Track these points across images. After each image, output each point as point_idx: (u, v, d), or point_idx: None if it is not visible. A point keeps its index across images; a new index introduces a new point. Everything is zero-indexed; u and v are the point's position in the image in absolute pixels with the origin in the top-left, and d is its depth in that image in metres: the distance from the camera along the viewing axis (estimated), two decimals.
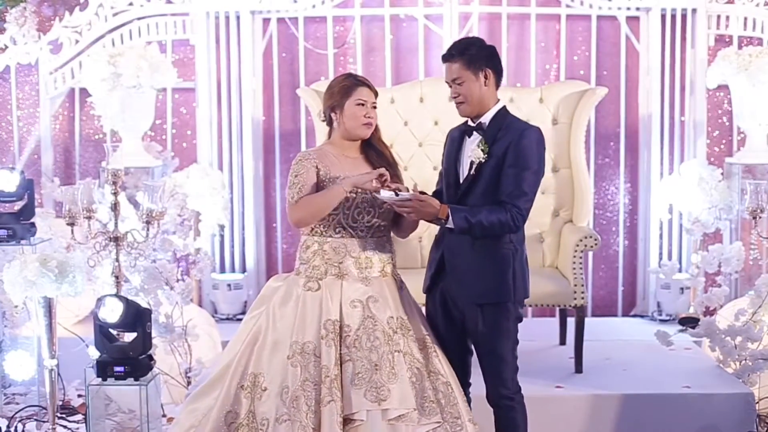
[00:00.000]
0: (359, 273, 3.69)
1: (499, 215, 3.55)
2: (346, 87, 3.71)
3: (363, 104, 3.69)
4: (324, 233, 3.70)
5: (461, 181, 3.69)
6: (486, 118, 3.67)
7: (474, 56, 3.63)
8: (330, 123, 3.79)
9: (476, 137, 3.68)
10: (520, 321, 3.73)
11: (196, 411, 3.70)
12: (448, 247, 3.72)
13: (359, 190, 3.66)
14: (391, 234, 3.83)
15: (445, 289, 3.77)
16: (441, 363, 3.68)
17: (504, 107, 3.71)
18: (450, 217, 3.55)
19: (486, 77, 3.64)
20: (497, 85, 3.70)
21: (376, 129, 3.78)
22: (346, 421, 3.50)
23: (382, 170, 3.62)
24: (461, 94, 3.66)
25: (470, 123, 3.72)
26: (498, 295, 3.64)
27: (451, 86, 3.69)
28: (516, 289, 3.66)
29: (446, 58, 3.68)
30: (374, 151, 3.76)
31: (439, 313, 3.80)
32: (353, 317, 3.61)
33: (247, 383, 3.63)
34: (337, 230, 3.70)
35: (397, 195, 3.54)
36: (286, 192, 3.76)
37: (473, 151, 3.65)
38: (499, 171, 3.59)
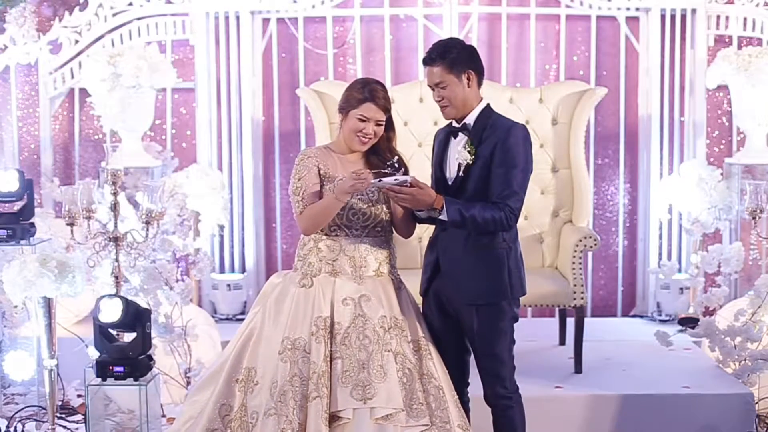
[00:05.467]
0: (353, 271, 3.70)
1: (492, 212, 3.54)
2: (356, 98, 3.68)
3: (365, 120, 3.68)
4: (320, 231, 3.72)
5: (450, 182, 3.69)
6: (470, 119, 3.67)
7: (455, 59, 3.61)
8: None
9: (462, 138, 3.67)
10: (516, 321, 3.73)
11: (196, 403, 3.76)
12: (442, 249, 3.72)
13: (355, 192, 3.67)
14: (393, 234, 3.83)
15: (439, 290, 3.77)
16: (435, 366, 3.67)
17: (488, 105, 3.70)
18: (444, 209, 3.55)
19: (469, 79, 3.63)
20: (479, 84, 3.69)
21: (392, 137, 3.78)
22: (333, 418, 3.51)
23: (358, 171, 3.59)
24: (445, 98, 3.64)
25: (455, 124, 3.72)
26: (494, 295, 3.64)
27: (433, 89, 3.67)
28: (513, 287, 3.66)
29: (427, 61, 3.65)
30: (378, 157, 3.75)
31: (435, 313, 3.80)
32: (344, 315, 3.62)
33: (241, 377, 3.68)
34: (332, 229, 3.71)
35: (392, 172, 3.56)
36: (289, 191, 3.76)
37: (460, 152, 3.65)
38: (487, 171, 3.59)
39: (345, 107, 3.72)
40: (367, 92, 3.68)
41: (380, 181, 3.55)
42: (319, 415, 3.48)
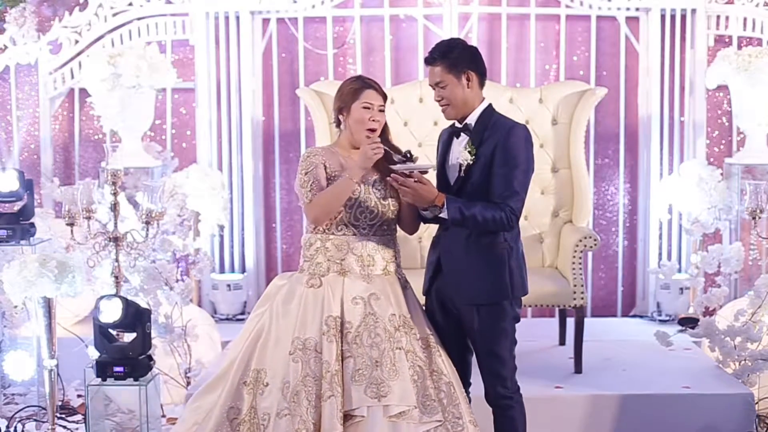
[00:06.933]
0: (361, 270, 3.70)
1: (493, 212, 3.55)
2: (353, 90, 3.72)
3: (369, 107, 3.70)
4: (327, 231, 3.73)
5: (451, 182, 3.70)
6: (472, 119, 3.67)
7: (455, 59, 3.62)
8: (339, 125, 3.81)
9: (464, 138, 3.68)
10: (518, 321, 3.73)
11: (200, 408, 3.72)
12: (444, 248, 3.72)
13: (363, 188, 3.68)
14: (397, 234, 3.84)
15: (440, 289, 3.78)
16: (444, 363, 3.68)
17: (489, 106, 3.70)
18: (445, 206, 3.56)
19: (468, 79, 3.64)
20: (481, 85, 3.69)
21: (386, 130, 3.79)
22: (347, 417, 3.51)
23: (372, 140, 3.63)
24: (445, 98, 3.66)
25: (457, 124, 3.73)
26: (495, 295, 3.64)
27: (434, 89, 3.69)
28: (514, 287, 3.66)
29: (428, 61, 3.68)
30: (384, 156, 3.74)
31: (437, 312, 3.81)
32: (354, 314, 3.62)
33: (249, 379, 3.66)
34: (339, 228, 3.72)
35: (410, 157, 3.60)
36: (296, 187, 3.76)
37: (461, 153, 3.65)
38: (488, 172, 3.59)
39: (345, 103, 3.73)
40: (362, 82, 3.74)
41: (403, 164, 3.58)
42: (334, 414, 3.47)
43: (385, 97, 3.75)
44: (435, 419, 3.55)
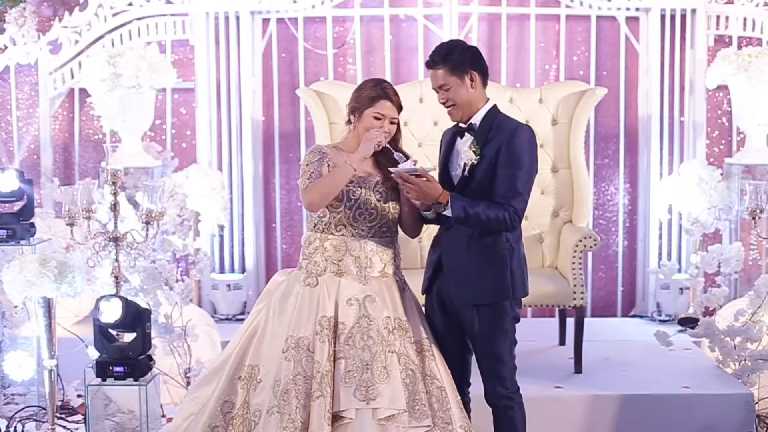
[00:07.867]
0: (358, 272, 3.71)
1: (497, 212, 3.55)
2: (370, 97, 3.72)
3: (380, 118, 3.71)
4: (326, 230, 3.73)
5: (455, 182, 3.70)
6: (477, 119, 3.68)
7: (457, 60, 3.63)
8: (350, 122, 3.82)
9: (468, 138, 3.69)
10: (518, 321, 3.73)
11: (197, 399, 3.77)
12: (445, 248, 3.73)
13: (364, 190, 3.68)
14: (398, 234, 3.84)
15: (441, 289, 3.78)
16: (437, 367, 3.68)
17: (494, 106, 3.71)
18: (449, 204, 3.56)
19: (472, 79, 3.64)
20: (484, 84, 3.70)
21: (398, 138, 3.81)
22: (336, 418, 3.52)
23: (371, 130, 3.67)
24: (450, 100, 3.67)
25: (461, 124, 3.73)
26: (495, 295, 3.64)
27: (438, 92, 3.69)
28: (515, 288, 3.66)
29: (430, 64, 3.69)
30: (386, 158, 3.75)
31: (437, 312, 3.81)
32: (348, 315, 3.63)
33: (244, 374, 3.69)
34: (338, 228, 3.72)
35: (407, 159, 3.62)
36: (299, 180, 3.77)
37: (465, 153, 3.66)
38: (491, 172, 3.60)
39: (359, 106, 3.74)
40: (380, 90, 3.74)
41: (399, 164, 3.59)
42: (322, 414, 3.49)
43: (400, 108, 3.77)
44: (424, 424, 3.56)
